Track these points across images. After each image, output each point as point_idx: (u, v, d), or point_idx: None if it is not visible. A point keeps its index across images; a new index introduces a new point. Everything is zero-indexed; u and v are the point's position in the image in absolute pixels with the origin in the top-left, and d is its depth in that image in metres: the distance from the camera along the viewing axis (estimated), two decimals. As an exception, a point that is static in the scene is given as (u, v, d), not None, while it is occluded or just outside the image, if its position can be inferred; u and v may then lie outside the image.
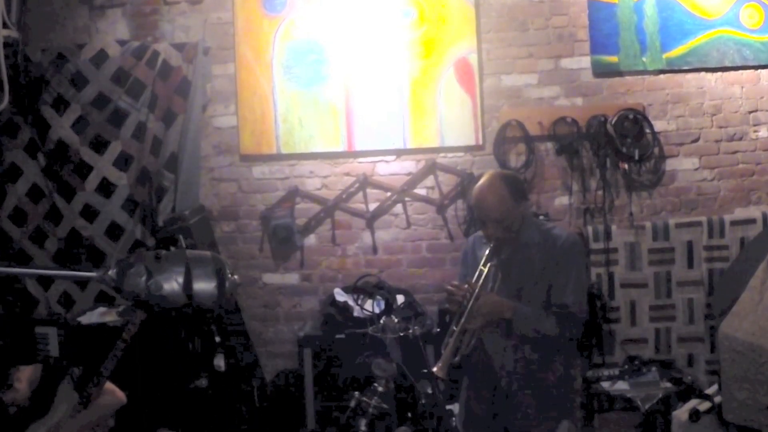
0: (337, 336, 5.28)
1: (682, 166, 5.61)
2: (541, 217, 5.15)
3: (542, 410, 3.66)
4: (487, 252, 3.63)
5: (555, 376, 3.69)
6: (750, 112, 5.56)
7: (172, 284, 2.10)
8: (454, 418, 3.98)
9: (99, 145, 5.75)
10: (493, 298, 3.60)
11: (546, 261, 3.64)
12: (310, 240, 5.87)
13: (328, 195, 5.80)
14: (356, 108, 5.70)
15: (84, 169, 5.76)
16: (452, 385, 3.76)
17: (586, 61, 5.60)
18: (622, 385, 5.07)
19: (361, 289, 5.47)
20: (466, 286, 3.60)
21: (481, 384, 3.79)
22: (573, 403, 3.80)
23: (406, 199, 5.77)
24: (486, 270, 3.61)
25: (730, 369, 4.38)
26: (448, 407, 3.98)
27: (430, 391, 3.53)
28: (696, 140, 5.59)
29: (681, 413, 4.66)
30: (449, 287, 3.65)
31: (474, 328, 3.59)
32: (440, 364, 3.52)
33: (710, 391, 4.80)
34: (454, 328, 3.59)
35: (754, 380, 4.27)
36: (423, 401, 3.77)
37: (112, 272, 2.11)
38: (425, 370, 3.51)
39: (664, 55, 5.51)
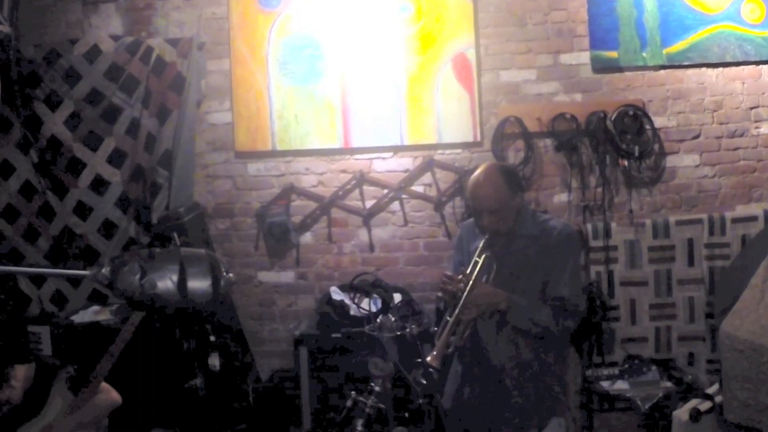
0: (334, 335, 5.22)
1: (683, 162, 5.58)
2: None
3: (534, 404, 3.65)
4: (482, 243, 3.63)
5: (548, 370, 3.68)
6: (751, 108, 5.54)
7: (166, 282, 2.05)
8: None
9: (92, 142, 5.69)
10: (488, 289, 3.62)
11: (542, 253, 3.65)
12: (306, 238, 5.83)
13: (324, 192, 5.76)
14: (353, 104, 5.65)
15: (77, 166, 5.70)
16: (442, 373, 3.75)
17: (585, 57, 5.57)
18: (622, 385, 5.04)
19: (357, 288, 5.45)
20: (460, 276, 3.60)
21: (474, 374, 3.78)
22: (566, 399, 3.79)
23: (404, 196, 5.73)
24: (481, 261, 3.61)
25: (731, 368, 4.34)
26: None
27: (423, 381, 3.50)
28: (697, 137, 5.56)
29: (681, 413, 4.63)
30: (444, 278, 3.65)
31: (468, 318, 3.59)
32: (434, 353, 3.53)
33: (711, 390, 4.76)
34: (449, 318, 3.59)
35: (755, 379, 4.23)
36: (420, 401, 3.72)
37: (105, 270, 2.06)
38: (419, 360, 3.48)
39: (665, 51, 5.48)
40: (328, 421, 5.17)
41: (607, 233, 5.49)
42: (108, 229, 5.73)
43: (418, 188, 5.73)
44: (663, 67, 5.53)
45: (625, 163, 5.51)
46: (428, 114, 5.61)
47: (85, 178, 5.71)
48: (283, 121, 5.70)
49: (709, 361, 5.37)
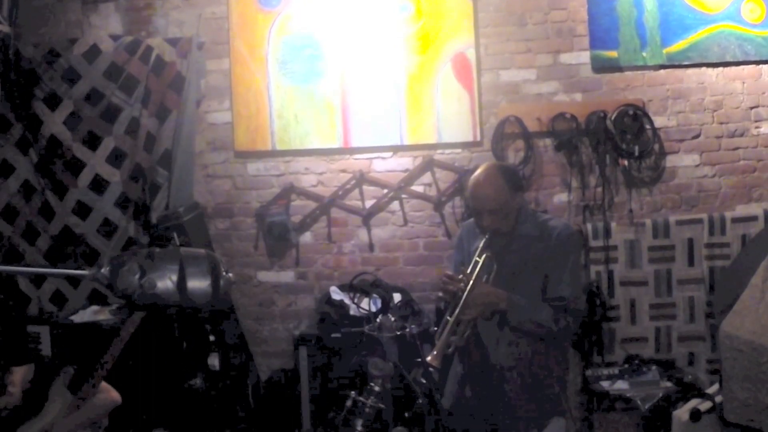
0: (333, 335, 5.23)
1: (683, 162, 5.57)
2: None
3: (534, 404, 3.64)
4: (482, 243, 3.62)
5: (548, 371, 3.67)
6: (751, 108, 5.54)
7: (165, 282, 2.04)
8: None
9: (92, 142, 5.68)
10: (488, 289, 3.60)
11: (542, 253, 3.64)
12: (306, 237, 5.82)
13: (323, 192, 5.75)
14: (352, 104, 5.65)
15: (76, 166, 5.69)
16: (442, 373, 3.74)
17: (585, 56, 5.56)
18: (621, 385, 5.03)
19: (357, 288, 5.44)
20: (461, 276, 3.59)
21: (474, 374, 3.77)
22: (566, 400, 3.78)
23: (403, 196, 5.72)
24: (481, 261, 3.60)
25: (732, 368, 4.32)
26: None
27: (423, 381, 3.49)
28: (697, 136, 5.56)
29: (681, 413, 4.62)
30: (444, 277, 3.64)
31: (468, 318, 3.58)
32: (435, 353, 3.51)
33: (711, 390, 4.75)
34: (449, 318, 3.58)
35: (755, 379, 4.22)
36: (420, 401, 3.72)
37: (104, 270, 2.05)
38: (419, 359, 3.47)
39: (665, 50, 5.47)
40: (328, 421, 5.16)
41: (607, 233, 5.48)
42: (107, 228, 5.72)
43: (417, 188, 5.72)
44: (663, 66, 5.53)
45: (625, 162, 5.50)
46: (428, 114, 5.61)
47: (85, 177, 5.69)
48: (282, 120, 5.69)
49: (709, 361, 5.37)
